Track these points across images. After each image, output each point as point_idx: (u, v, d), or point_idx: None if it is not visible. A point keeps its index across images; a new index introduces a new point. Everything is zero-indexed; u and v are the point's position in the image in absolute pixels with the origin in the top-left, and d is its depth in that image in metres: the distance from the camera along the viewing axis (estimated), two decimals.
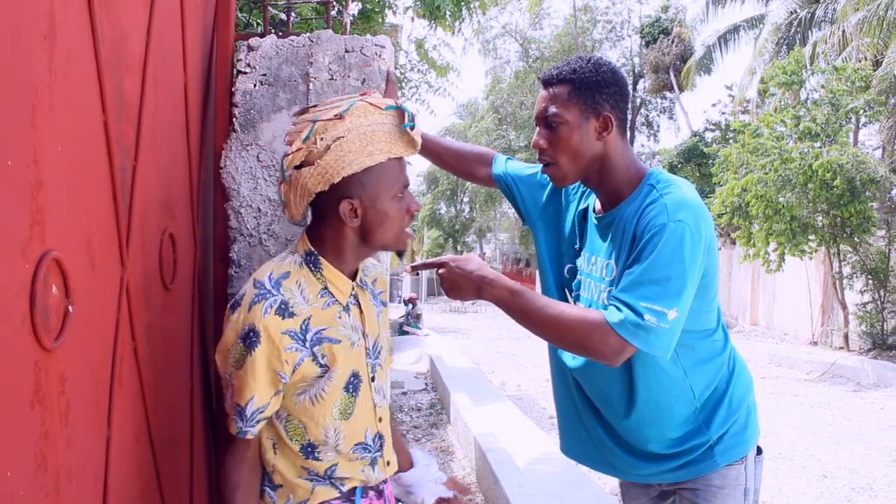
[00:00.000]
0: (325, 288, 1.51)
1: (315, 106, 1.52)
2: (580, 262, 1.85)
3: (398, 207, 1.51)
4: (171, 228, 1.73)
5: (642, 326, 1.55)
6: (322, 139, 1.43)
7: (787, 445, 6.59)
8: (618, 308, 1.58)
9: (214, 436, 2.06)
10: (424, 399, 8.20)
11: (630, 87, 1.92)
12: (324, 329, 1.49)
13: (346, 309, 1.54)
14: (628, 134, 1.81)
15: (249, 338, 1.40)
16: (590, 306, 1.76)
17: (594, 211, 1.83)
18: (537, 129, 1.77)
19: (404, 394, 8.50)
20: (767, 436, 6.72)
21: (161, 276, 1.67)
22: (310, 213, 1.57)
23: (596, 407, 1.86)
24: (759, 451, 1.88)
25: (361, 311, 1.59)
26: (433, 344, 12.62)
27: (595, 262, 1.79)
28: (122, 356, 1.41)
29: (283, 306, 1.43)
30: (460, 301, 1.77)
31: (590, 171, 1.75)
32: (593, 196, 1.85)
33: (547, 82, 1.75)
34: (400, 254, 1.66)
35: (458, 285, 1.68)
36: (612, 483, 4.58)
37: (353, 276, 1.58)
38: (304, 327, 1.46)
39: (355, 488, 1.57)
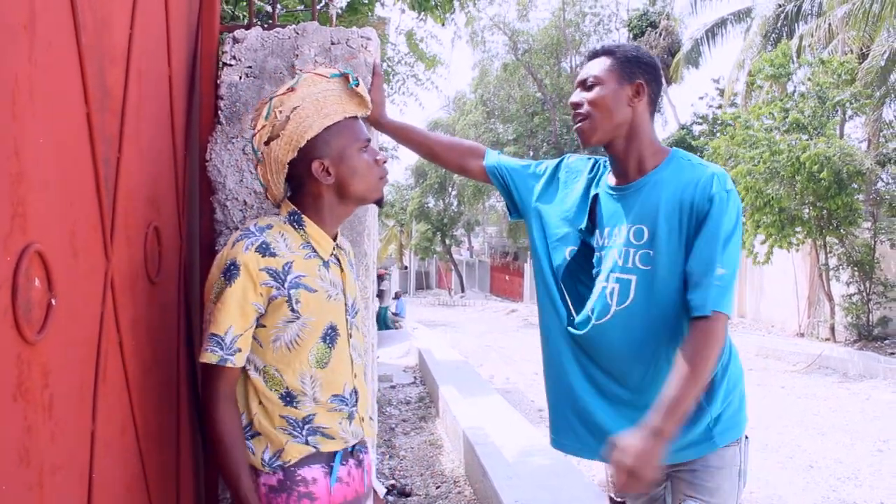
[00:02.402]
0: (307, 243, 1.64)
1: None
2: (596, 239, 1.91)
3: (366, 159, 1.66)
4: (156, 221, 1.72)
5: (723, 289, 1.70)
6: (281, 112, 1.59)
7: (774, 436, 6.64)
8: (704, 296, 1.69)
9: (201, 430, 2.06)
10: (413, 392, 8.20)
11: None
12: (302, 276, 1.60)
13: (326, 265, 1.67)
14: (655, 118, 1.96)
15: (230, 271, 1.54)
16: (611, 272, 1.84)
17: (611, 186, 1.91)
18: (576, 90, 1.92)
19: (393, 387, 8.49)
20: (755, 427, 6.74)
21: (146, 269, 1.66)
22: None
23: (597, 388, 1.88)
24: (746, 437, 1.92)
25: (342, 270, 1.72)
26: (422, 337, 12.62)
27: (618, 232, 1.86)
28: (106, 350, 1.40)
29: (263, 245, 1.56)
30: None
31: (618, 134, 1.87)
32: (603, 179, 1.94)
33: (592, 55, 1.94)
34: (379, 203, 1.76)
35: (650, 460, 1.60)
36: (600, 476, 4.60)
37: (333, 239, 1.72)
38: (285, 269, 1.58)
39: (335, 453, 1.65)
